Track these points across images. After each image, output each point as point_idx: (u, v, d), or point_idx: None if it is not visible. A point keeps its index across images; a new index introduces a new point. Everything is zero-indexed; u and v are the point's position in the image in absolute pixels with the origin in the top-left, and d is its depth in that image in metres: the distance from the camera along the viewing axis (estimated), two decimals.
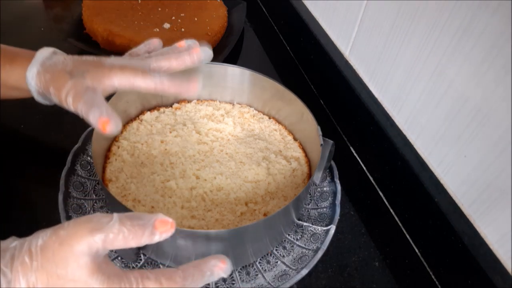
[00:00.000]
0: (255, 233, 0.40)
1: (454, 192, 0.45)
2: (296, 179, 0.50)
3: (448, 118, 0.43)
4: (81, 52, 0.68)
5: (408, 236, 0.50)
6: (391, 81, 0.52)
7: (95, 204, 0.48)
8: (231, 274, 0.44)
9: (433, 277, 0.46)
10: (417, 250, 0.49)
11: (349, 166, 0.58)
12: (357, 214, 0.52)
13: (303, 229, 0.48)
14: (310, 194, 0.52)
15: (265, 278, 0.44)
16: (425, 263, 0.48)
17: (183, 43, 0.45)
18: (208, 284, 0.43)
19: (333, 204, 0.49)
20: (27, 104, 0.61)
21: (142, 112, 0.56)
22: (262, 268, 0.45)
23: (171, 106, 0.58)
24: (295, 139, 0.56)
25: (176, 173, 0.48)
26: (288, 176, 0.50)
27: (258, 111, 0.59)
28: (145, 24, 0.70)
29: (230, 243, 0.40)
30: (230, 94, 0.59)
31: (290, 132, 0.57)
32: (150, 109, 0.57)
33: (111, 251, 0.44)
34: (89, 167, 0.51)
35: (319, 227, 0.48)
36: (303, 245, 0.47)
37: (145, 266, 0.44)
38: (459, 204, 0.44)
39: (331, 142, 0.45)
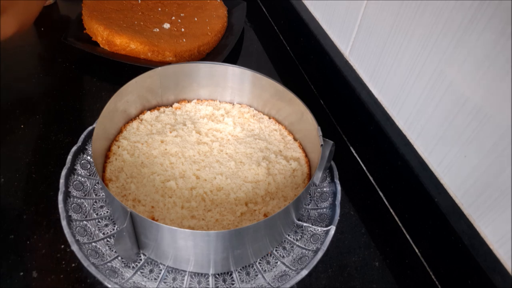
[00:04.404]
0: (255, 233, 0.40)
1: (454, 192, 0.45)
2: (296, 180, 0.50)
3: (448, 118, 0.43)
4: (81, 52, 0.68)
5: (408, 236, 0.50)
6: (391, 81, 0.52)
7: (95, 203, 0.48)
8: (231, 275, 0.44)
9: (433, 277, 0.46)
10: (417, 250, 0.49)
11: (349, 166, 0.58)
12: (357, 214, 0.52)
13: (303, 230, 0.48)
14: (310, 195, 0.52)
15: (265, 279, 0.44)
16: (425, 263, 0.48)
17: None
18: (208, 285, 0.43)
19: (333, 205, 0.49)
20: (27, 104, 0.61)
21: (142, 112, 0.56)
22: (262, 268, 0.45)
23: (171, 105, 0.58)
24: (295, 139, 0.56)
25: (176, 173, 0.48)
26: (288, 176, 0.50)
27: (258, 111, 0.59)
28: (145, 24, 0.70)
29: (230, 243, 0.40)
30: (230, 94, 0.59)
31: (290, 132, 0.57)
32: (150, 109, 0.57)
33: (111, 251, 0.44)
34: (89, 166, 0.51)
35: (319, 228, 0.48)
36: (303, 246, 0.47)
37: (145, 266, 0.44)
38: (459, 204, 0.44)
39: (331, 142, 0.45)
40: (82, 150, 0.52)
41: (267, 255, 0.46)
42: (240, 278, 0.44)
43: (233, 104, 0.60)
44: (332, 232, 0.46)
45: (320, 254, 0.44)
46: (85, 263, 0.41)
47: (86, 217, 0.46)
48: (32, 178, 0.51)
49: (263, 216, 0.46)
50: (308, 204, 0.51)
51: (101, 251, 0.44)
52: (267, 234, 0.43)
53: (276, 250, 0.46)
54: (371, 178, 0.56)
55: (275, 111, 0.58)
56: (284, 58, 0.76)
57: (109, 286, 0.40)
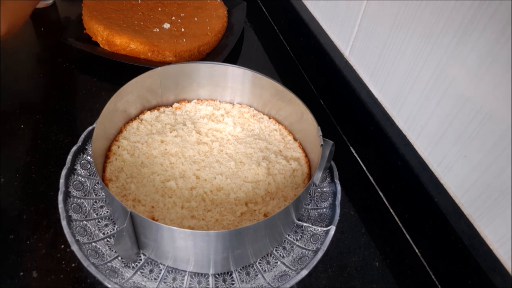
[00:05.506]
0: (255, 233, 0.40)
1: (454, 192, 0.45)
2: (296, 180, 0.50)
3: (448, 118, 0.43)
4: (81, 52, 0.68)
5: (408, 236, 0.50)
6: (391, 81, 0.52)
7: (95, 203, 0.48)
8: (231, 275, 0.44)
9: (433, 277, 0.46)
10: (417, 250, 0.49)
11: (349, 166, 0.58)
12: (357, 214, 0.52)
13: (303, 230, 0.48)
14: (310, 195, 0.52)
15: (265, 279, 0.44)
16: (425, 263, 0.48)
17: None
18: (208, 285, 0.43)
19: (333, 205, 0.49)
20: (27, 104, 0.61)
21: (142, 112, 0.56)
22: (262, 268, 0.45)
23: (171, 105, 0.58)
24: (295, 139, 0.56)
25: (176, 173, 0.48)
26: (288, 176, 0.50)
27: (258, 111, 0.59)
28: (145, 24, 0.70)
29: (230, 243, 0.40)
30: (230, 94, 0.59)
31: (290, 132, 0.57)
32: (150, 109, 0.57)
33: (111, 250, 0.44)
34: (89, 166, 0.51)
35: (319, 228, 0.48)
36: (303, 246, 0.47)
37: (145, 266, 0.44)
38: (459, 204, 0.44)
39: (331, 142, 0.45)
40: (82, 150, 0.52)
41: (267, 255, 0.46)
42: (240, 278, 0.44)
43: (233, 104, 0.60)
44: (332, 232, 0.46)
45: (320, 254, 0.44)
46: (85, 263, 0.41)
47: (86, 217, 0.46)
48: (32, 178, 0.51)
49: (263, 216, 0.46)
50: (308, 204, 0.51)
51: (101, 251, 0.44)
52: (267, 234, 0.43)
53: (276, 250, 0.46)
54: (371, 178, 0.56)
55: (275, 111, 0.58)
56: (284, 58, 0.76)
57: (109, 286, 0.40)
